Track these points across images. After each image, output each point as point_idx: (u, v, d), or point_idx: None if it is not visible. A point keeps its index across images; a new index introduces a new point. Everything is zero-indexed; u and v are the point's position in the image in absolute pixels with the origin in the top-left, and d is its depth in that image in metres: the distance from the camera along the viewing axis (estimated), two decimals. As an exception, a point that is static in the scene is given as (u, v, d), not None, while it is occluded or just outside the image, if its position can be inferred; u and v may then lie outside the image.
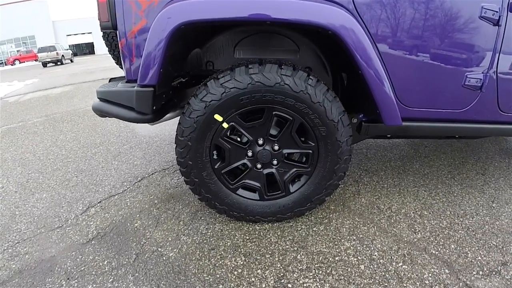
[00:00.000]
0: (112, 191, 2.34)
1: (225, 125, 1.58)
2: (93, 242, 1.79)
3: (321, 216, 1.89)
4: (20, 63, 33.04)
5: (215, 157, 1.71)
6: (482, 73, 1.63)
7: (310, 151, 1.68)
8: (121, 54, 1.64)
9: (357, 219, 1.85)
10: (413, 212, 1.89)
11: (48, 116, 5.05)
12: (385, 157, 2.72)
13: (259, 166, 1.72)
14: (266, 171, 1.73)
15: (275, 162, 1.71)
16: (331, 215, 1.89)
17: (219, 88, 1.52)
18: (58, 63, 23.90)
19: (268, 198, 1.76)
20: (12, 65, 32.33)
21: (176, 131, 1.63)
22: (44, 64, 23.32)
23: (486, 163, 2.51)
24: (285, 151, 1.70)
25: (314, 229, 1.77)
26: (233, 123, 1.61)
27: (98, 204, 2.18)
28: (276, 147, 1.69)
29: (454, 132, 1.80)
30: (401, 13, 1.55)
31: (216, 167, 1.70)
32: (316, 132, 1.60)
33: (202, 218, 1.93)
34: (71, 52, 28.43)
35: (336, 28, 1.44)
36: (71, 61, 26.69)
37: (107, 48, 2.74)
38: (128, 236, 1.81)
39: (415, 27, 1.57)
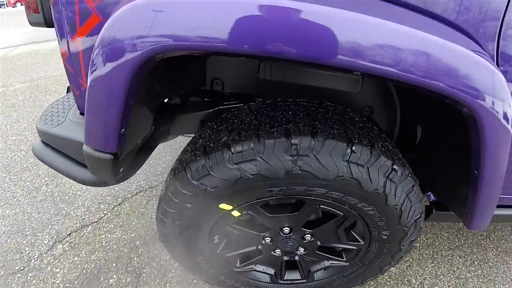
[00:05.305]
0: (85, 219, 1.90)
1: (235, 213, 1.07)
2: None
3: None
4: (21, 5, 31.38)
5: (216, 241, 1.22)
6: None
7: (356, 248, 1.22)
8: (65, 70, 1.05)
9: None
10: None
11: (31, 82, 4.50)
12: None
13: (277, 252, 1.25)
14: (286, 257, 1.29)
15: (301, 250, 1.24)
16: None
17: (231, 168, 0.93)
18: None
19: (283, 283, 1.32)
20: (13, 7, 30.83)
21: (157, 207, 1.11)
22: (43, 7, 22.02)
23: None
24: (320, 243, 1.22)
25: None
26: (249, 212, 1.09)
27: (67, 238, 1.77)
28: (308, 237, 1.19)
29: None
30: None
31: (218, 252, 1.23)
32: (374, 233, 1.11)
33: (195, 281, 1.52)
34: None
35: (477, 107, 0.78)
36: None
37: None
38: (96, 303, 1.41)
39: None
